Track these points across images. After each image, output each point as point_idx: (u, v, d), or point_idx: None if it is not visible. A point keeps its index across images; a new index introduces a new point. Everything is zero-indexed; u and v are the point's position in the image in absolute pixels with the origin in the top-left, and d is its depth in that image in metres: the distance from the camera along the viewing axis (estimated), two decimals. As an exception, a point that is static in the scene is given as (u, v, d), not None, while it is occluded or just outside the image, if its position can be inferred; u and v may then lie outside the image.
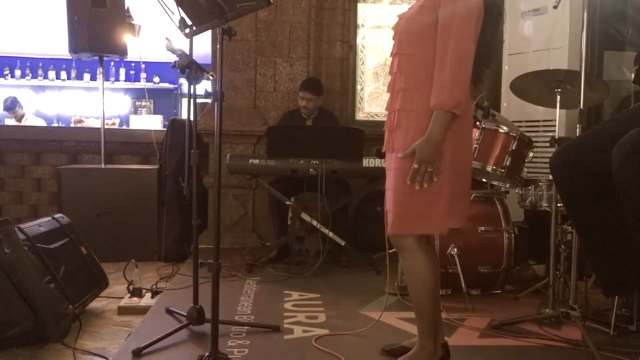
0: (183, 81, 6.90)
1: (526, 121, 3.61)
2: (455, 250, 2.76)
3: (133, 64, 7.03)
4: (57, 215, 2.95)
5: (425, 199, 1.79)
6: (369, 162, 3.38)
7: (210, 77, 2.20)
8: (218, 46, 1.99)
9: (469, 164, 1.93)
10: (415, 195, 1.79)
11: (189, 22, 2.04)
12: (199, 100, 4.15)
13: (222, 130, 1.99)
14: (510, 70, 3.75)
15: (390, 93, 1.89)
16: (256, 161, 3.34)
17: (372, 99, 4.52)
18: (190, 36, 2.09)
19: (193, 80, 2.13)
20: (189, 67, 2.09)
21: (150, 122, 5.64)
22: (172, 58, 2.12)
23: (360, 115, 4.52)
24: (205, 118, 4.00)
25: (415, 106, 1.79)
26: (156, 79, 7.19)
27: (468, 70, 1.73)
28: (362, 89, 4.52)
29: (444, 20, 1.73)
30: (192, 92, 2.25)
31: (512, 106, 3.69)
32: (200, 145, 2.37)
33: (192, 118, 2.33)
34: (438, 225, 1.83)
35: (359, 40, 4.49)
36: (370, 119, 4.50)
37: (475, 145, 2.71)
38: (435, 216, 1.80)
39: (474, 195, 2.90)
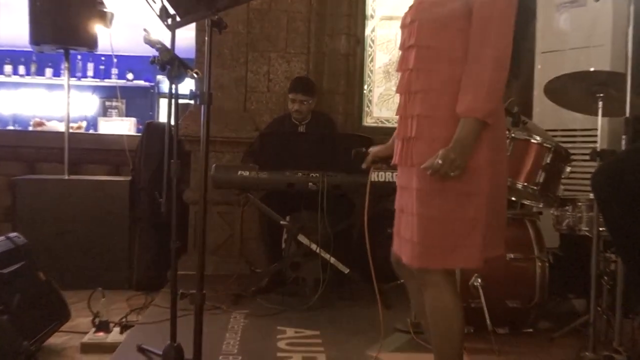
0: (162, 78, 6.94)
1: (562, 130, 3.62)
2: (479, 281, 2.75)
3: (103, 58, 7.05)
4: (12, 235, 2.93)
5: (460, 227, 1.78)
6: (378, 175, 3.37)
7: (195, 75, 2.22)
8: (206, 39, 2.01)
9: (505, 181, 1.92)
10: (448, 222, 1.78)
11: (172, 12, 2.05)
12: (180, 101, 4.16)
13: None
14: (543, 70, 3.77)
15: (402, 94, 1.89)
16: (246, 173, 3.34)
17: (382, 102, 4.54)
18: (173, 28, 2.11)
19: (175, 79, 2.14)
20: (171, 64, 2.10)
21: (122, 126, 5.64)
22: (150, 52, 2.13)
23: (368, 121, 4.54)
24: (186, 122, 4.01)
25: (441, 112, 1.78)
26: (130, 76, 7.22)
27: (506, 71, 1.73)
28: (370, 90, 4.55)
29: (482, 10, 1.72)
30: (173, 92, 2.25)
31: (545, 112, 3.70)
32: (180, 153, 2.37)
33: (172, 122, 2.33)
34: (473, 258, 1.81)
35: (367, 33, 4.52)
36: (380, 125, 4.52)
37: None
38: (471, 247, 1.79)
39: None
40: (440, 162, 1.72)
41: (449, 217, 1.78)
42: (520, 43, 1.89)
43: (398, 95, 1.94)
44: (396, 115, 2.00)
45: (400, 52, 1.96)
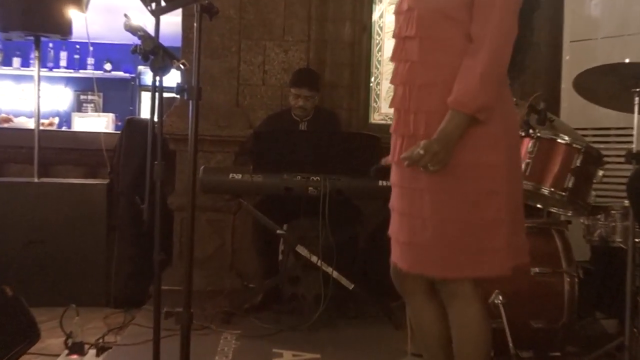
0: (144, 69, 6.93)
1: (593, 129, 3.62)
2: (500, 298, 2.74)
3: (78, 47, 7.05)
4: (-26, 245, 2.95)
5: (481, 229, 1.82)
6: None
7: (182, 67, 2.22)
8: (195, 25, 2.01)
9: (521, 180, 1.98)
10: (468, 224, 1.82)
11: (157, -4, 2.06)
12: (164, 95, 4.15)
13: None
14: (572, 61, 3.78)
15: (401, 86, 1.94)
16: (238, 176, 3.36)
17: (391, 97, 4.52)
18: (157, 14, 2.11)
19: (159, 70, 2.15)
20: (155, 53, 2.11)
21: (99, 123, 5.65)
22: (131, 40, 2.13)
23: (375, 117, 4.55)
24: (172, 118, 4.02)
25: (440, 106, 1.82)
26: (107, 66, 7.21)
27: (505, 65, 1.81)
28: (378, 83, 4.56)
29: None
30: (157, 85, 2.25)
31: (574, 109, 3.71)
32: (165, 153, 2.38)
33: (156, 119, 2.33)
34: (500, 264, 1.85)
35: (374, 19, 4.53)
36: (389, 122, 4.48)
37: (527, 160, 2.72)
38: (497, 251, 1.83)
39: (526, 226, 2.90)
40: (421, 152, 1.78)
41: (468, 219, 1.82)
42: (526, 34, 1.93)
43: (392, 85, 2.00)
44: (390, 107, 2.05)
45: (394, 41, 2.01)
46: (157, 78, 2.21)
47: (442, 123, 1.79)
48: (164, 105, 4.23)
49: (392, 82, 2.02)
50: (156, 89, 2.27)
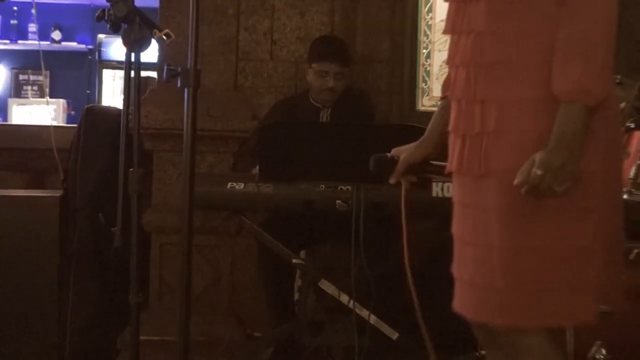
0: (106, 39, 6.98)
1: None
2: (604, 352, 2.74)
3: (16, 8, 7.14)
4: None
5: (566, 262, 1.81)
6: (442, 189, 3.38)
7: (165, 38, 2.25)
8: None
9: (621, 197, 1.98)
10: (549, 255, 1.81)
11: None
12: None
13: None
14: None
15: (460, 68, 1.96)
16: (239, 186, 3.38)
17: (446, 79, 4.52)
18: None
19: (135, 44, 2.18)
20: (129, 21, 2.15)
21: (46, 112, 5.69)
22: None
23: (425, 103, 4.56)
24: (146, 107, 4.02)
25: (531, 93, 1.83)
26: (56, 35, 7.29)
27: (614, 26, 1.80)
28: (428, 56, 4.57)
29: None
30: (132, 64, 2.29)
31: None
32: (140, 155, 2.41)
33: (132, 110, 2.36)
34: (585, 309, 1.84)
35: (422, -33, 4.57)
36: (443, 109, 4.52)
37: (638, 162, 2.74)
38: (582, 291, 1.82)
39: (636, 252, 2.89)
40: (539, 172, 1.74)
41: (550, 248, 1.81)
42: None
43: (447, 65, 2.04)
44: (444, 97, 2.13)
45: (450, 4, 2.02)
46: (132, 55, 2.25)
47: (555, 125, 1.77)
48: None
49: (448, 62, 2.04)
50: (131, 68, 2.31)
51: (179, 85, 2.11)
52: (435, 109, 4.37)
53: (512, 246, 1.83)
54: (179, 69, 2.09)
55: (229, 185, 3.40)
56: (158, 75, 4.32)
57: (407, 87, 4.51)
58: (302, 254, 3.51)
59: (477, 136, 1.89)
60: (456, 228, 2.02)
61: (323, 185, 3.35)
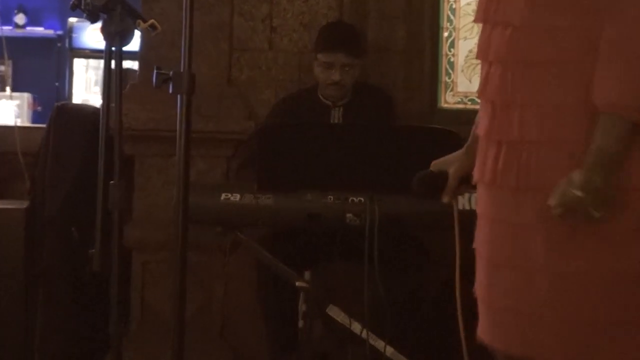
0: (77, 23, 6.98)
1: None
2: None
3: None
4: None
5: (625, 288, 1.84)
6: (469, 200, 3.40)
7: (152, 29, 2.29)
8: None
9: None
10: (605, 279, 1.83)
11: None
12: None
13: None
14: None
15: (495, 65, 1.98)
16: (235, 197, 3.39)
17: (475, 66, 4.54)
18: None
19: (117, 37, 2.23)
20: (110, 10, 2.19)
21: (8, 109, 5.69)
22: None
23: (448, 99, 4.59)
24: (127, 105, 4.05)
25: (573, 97, 1.85)
26: (20, 19, 7.29)
27: None
28: (452, 45, 4.59)
29: None
30: (113, 59, 2.32)
31: None
32: (120, 162, 2.42)
33: (115, 111, 2.39)
34: None
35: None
36: (470, 106, 4.56)
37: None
38: None
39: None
40: (579, 193, 1.78)
41: (605, 271, 1.83)
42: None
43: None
44: (479, 97, 2.14)
45: None
46: (113, 48, 2.28)
47: (596, 138, 1.79)
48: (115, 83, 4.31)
49: (479, 56, 2.07)
50: (111, 62, 2.33)
51: (170, 91, 2.13)
52: (460, 106, 4.52)
53: (560, 269, 1.85)
54: (171, 73, 2.11)
55: (223, 196, 3.40)
56: (140, 67, 4.34)
57: (427, 81, 4.52)
58: (307, 275, 3.49)
59: (516, 144, 1.91)
60: (483, 246, 2.04)
61: (331, 196, 3.34)
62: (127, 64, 4.59)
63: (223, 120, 4.18)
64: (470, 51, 4.57)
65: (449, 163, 2.29)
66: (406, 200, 3.33)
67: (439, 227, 3.46)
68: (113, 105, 2.42)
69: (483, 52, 2.04)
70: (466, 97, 4.60)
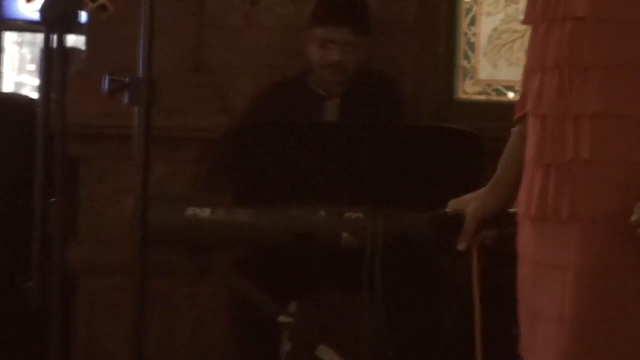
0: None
1: None
2: None
3: None
4: None
5: None
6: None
7: (101, 10, 2.33)
8: None
9: None
10: None
11: None
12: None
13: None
14: None
15: (553, 71, 1.99)
16: (204, 212, 3.41)
17: (499, 48, 4.60)
18: None
19: (60, 23, 2.25)
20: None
21: None
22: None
23: (468, 89, 4.61)
24: (72, 95, 4.06)
25: (625, 107, 1.89)
26: None
27: None
28: (472, 22, 4.62)
29: None
30: (56, 48, 2.34)
31: None
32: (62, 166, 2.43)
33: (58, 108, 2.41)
34: None
35: None
36: (496, 98, 4.61)
37: None
38: None
39: None
40: None
41: None
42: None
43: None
44: (520, 117, 2.16)
45: None
46: (55, 37, 2.29)
47: None
48: (47, 65, 4.27)
49: (531, 66, 2.09)
50: (51, 54, 2.34)
51: (126, 101, 2.16)
52: (482, 97, 4.54)
53: (589, 320, 1.89)
54: (127, 80, 2.13)
55: (191, 211, 3.41)
56: (88, 47, 4.37)
57: (443, 66, 4.55)
58: (293, 307, 3.51)
59: (568, 167, 1.93)
60: (526, 296, 2.07)
61: (324, 212, 3.35)
62: (72, 39, 4.60)
63: (190, 115, 4.20)
64: (495, 30, 4.60)
65: (469, 201, 2.30)
66: (415, 215, 3.31)
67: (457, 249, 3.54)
68: (54, 96, 2.40)
69: (538, 60, 2.04)
70: (490, 86, 4.61)
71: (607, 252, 1.86)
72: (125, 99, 2.17)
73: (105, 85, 2.22)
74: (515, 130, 2.26)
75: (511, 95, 4.57)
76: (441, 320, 3.74)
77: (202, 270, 3.76)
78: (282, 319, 3.53)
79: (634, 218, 1.79)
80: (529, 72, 2.10)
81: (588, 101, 1.91)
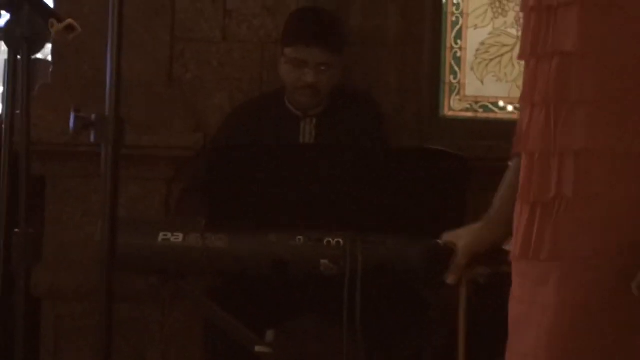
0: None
1: None
2: None
3: None
4: None
5: None
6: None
7: (70, 30, 2.25)
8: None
9: None
10: None
11: None
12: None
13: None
14: None
15: (534, 107, 2.02)
16: (176, 237, 3.38)
17: (486, 63, 4.60)
18: None
19: (24, 43, 2.20)
20: (15, 8, 2.18)
21: None
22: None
23: (454, 105, 4.61)
24: (37, 111, 4.01)
25: (608, 142, 1.92)
26: None
27: None
28: (458, 35, 4.61)
29: None
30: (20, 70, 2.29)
31: None
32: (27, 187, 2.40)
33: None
34: None
35: None
36: (481, 115, 4.60)
37: None
38: None
39: None
40: None
41: None
42: None
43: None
44: (517, 153, 2.16)
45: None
46: (19, 57, 2.29)
47: None
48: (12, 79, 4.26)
49: (522, 100, 2.10)
50: (15, 74, 2.33)
51: (92, 139, 2.10)
52: (469, 114, 4.50)
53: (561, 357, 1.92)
54: (93, 117, 2.07)
55: (162, 236, 3.38)
56: (54, 60, 4.35)
57: (427, 81, 4.53)
58: (270, 336, 3.43)
59: (552, 204, 1.94)
60: (511, 336, 2.05)
61: (301, 238, 3.33)
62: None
63: (162, 132, 4.18)
64: (482, 43, 4.63)
65: (462, 236, 2.34)
66: (396, 242, 3.35)
67: (440, 277, 3.50)
68: (18, 112, 2.42)
69: (527, 94, 2.06)
70: (477, 102, 4.62)
71: (586, 290, 1.89)
72: (92, 137, 2.09)
73: (71, 122, 2.16)
74: (511, 164, 2.29)
75: (499, 113, 4.62)
76: (422, 352, 3.79)
77: (174, 296, 3.71)
78: (258, 349, 3.47)
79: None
80: (521, 107, 2.14)
81: (573, 137, 1.95)
